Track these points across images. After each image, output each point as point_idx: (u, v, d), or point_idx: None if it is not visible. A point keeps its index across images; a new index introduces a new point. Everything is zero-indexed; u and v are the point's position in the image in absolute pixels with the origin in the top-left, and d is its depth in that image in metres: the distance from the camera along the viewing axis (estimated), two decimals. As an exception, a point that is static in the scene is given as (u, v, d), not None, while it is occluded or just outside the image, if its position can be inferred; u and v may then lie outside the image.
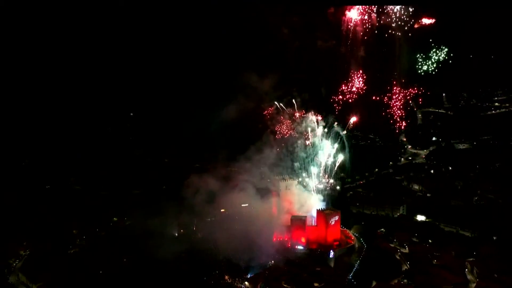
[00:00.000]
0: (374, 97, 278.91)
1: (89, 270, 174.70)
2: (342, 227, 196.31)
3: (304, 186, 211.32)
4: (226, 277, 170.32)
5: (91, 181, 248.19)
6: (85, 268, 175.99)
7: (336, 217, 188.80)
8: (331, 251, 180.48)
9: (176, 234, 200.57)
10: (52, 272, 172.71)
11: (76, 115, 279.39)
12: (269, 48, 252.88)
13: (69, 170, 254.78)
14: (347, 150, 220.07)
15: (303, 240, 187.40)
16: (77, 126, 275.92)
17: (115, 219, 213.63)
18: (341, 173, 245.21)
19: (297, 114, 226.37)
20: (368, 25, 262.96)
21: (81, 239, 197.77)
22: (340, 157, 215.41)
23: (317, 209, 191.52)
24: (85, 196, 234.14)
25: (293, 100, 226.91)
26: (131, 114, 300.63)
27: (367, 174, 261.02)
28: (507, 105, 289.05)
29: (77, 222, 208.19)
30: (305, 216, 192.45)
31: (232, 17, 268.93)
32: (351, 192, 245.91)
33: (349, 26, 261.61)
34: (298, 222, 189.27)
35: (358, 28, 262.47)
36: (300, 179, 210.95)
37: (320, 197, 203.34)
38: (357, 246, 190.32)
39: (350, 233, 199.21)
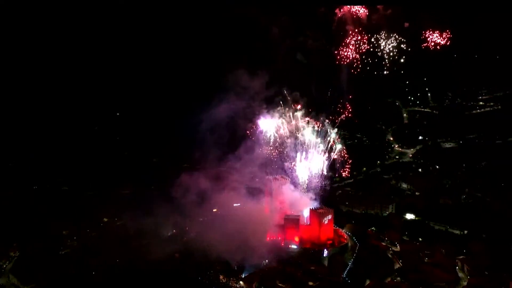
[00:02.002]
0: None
1: (81, 271, 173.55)
2: (335, 226, 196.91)
3: (295, 186, 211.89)
4: (221, 277, 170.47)
5: (79, 182, 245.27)
6: (77, 269, 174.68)
7: (329, 216, 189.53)
8: (325, 250, 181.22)
9: (169, 234, 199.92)
10: (43, 273, 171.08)
11: (62, 115, 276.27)
12: (260, 47, 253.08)
13: (57, 170, 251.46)
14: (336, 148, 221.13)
15: (296, 239, 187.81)
16: (64, 126, 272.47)
17: (105, 219, 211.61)
18: (329, 172, 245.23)
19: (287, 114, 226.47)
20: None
21: (72, 240, 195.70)
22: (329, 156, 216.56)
23: (310, 208, 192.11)
24: (73, 197, 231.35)
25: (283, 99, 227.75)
26: (118, 114, 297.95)
27: (355, 173, 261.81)
28: (492, 104, 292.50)
29: (67, 222, 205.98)
30: (298, 216, 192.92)
31: (223, 16, 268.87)
32: (340, 191, 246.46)
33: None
34: (292, 221, 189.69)
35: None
36: (291, 179, 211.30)
37: (311, 196, 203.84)
38: (350, 244, 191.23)
39: (343, 232, 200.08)
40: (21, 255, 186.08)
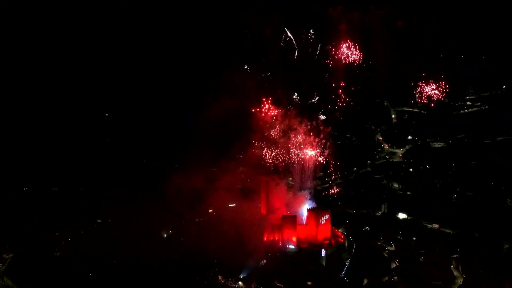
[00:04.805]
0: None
1: (77, 273, 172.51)
2: (331, 226, 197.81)
3: (290, 186, 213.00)
4: (220, 278, 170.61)
5: (69, 183, 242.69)
6: (73, 270, 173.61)
7: (326, 216, 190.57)
8: (323, 249, 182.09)
9: (165, 235, 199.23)
10: (38, 275, 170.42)
11: (50, 116, 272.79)
12: (253, 46, 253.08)
13: (46, 171, 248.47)
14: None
15: (294, 239, 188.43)
16: (53, 128, 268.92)
17: (99, 220, 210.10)
18: (320, 173, 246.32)
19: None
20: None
21: (66, 242, 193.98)
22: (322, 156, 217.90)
23: (307, 208, 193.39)
24: (65, 198, 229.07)
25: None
26: (106, 114, 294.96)
27: (346, 173, 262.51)
28: (479, 104, 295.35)
29: (60, 224, 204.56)
30: (295, 216, 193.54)
31: (215, 14, 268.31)
32: (332, 191, 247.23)
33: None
34: (289, 221, 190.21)
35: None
36: (288, 179, 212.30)
37: (307, 196, 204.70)
38: (347, 244, 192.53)
39: (340, 231, 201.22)
40: (15, 256, 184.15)
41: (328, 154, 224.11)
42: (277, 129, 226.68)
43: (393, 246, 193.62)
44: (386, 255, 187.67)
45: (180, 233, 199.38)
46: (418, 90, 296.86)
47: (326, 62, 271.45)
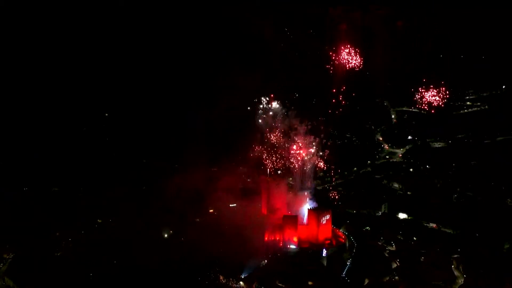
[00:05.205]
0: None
1: (77, 273, 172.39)
2: (332, 226, 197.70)
3: (291, 186, 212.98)
4: (221, 278, 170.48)
5: (69, 183, 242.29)
6: (74, 271, 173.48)
7: (327, 216, 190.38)
8: (324, 249, 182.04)
9: (166, 236, 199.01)
10: (39, 276, 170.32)
11: (50, 116, 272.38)
12: (253, 46, 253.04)
13: (46, 171, 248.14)
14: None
15: (295, 239, 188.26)
16: (53, 127, 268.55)
17: (99, 220, 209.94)
18: (321, 173, 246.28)
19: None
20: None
21: (67, 242, 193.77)
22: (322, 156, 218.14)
23: (308, 208, 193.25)
24: (65, 198, 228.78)
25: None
26: (106, 114, 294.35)
27: (346, 173, 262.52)
28: (479, 104, 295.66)
29: (60, 224, 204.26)
30: (296, 216, 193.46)
31: (215, 14, 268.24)
32: (332, 191, 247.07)
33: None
34: (290, 221, 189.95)
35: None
36: (288, 179, 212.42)
37: (308, 196, 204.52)
38: (348, 244, 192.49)
39: (341, 231, 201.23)
40: (16, 257, 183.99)
41: (328, 154, 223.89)
42: (277, 129, 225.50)
43: (394, 246, 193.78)
44: (386, 255, 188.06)
45: (180, 233, 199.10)
46: (418, 90, 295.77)
47: (326, 62, 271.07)
